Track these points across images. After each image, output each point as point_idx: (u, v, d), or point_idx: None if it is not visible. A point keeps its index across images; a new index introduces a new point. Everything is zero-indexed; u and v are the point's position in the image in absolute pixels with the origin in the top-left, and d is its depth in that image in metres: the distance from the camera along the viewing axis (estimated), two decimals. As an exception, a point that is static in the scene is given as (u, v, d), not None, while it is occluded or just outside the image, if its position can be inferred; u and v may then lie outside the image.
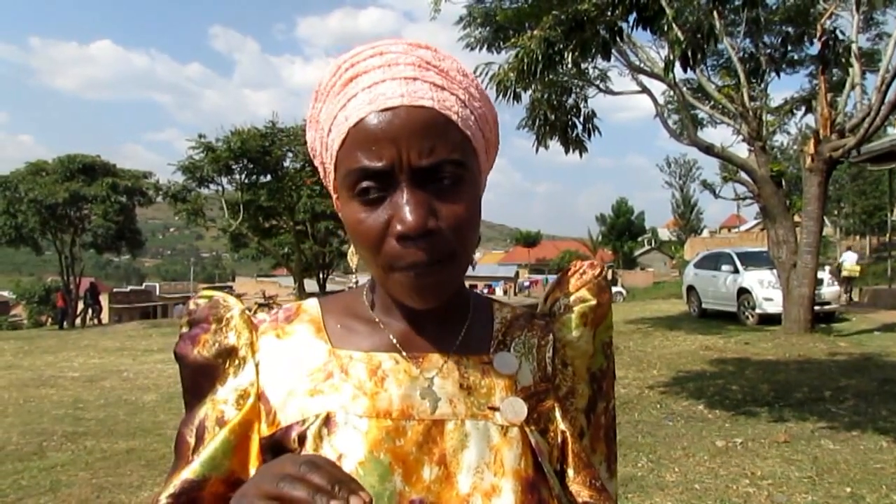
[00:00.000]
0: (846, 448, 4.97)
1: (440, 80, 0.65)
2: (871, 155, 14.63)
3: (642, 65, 12.64)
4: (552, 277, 0.86)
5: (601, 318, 0.78)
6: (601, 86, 12.40)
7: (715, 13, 7.90)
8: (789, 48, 13.80)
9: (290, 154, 22.33)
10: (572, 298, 0.78)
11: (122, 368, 10.63)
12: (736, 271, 14.07)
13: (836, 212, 36.58)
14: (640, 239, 61.31)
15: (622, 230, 57.77)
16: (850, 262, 19.58)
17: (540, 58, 6.52)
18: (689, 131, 12.64)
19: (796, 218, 13.09)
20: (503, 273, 61.04)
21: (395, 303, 0.71)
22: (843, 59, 11.46)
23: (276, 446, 0.67)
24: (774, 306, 12.40)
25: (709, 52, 9.66)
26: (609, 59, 10.16)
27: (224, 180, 22.66)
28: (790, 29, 13.38)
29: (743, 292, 13.64)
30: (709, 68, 14.31)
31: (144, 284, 65.82)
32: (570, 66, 7.80)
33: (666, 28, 6.19)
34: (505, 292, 51.05)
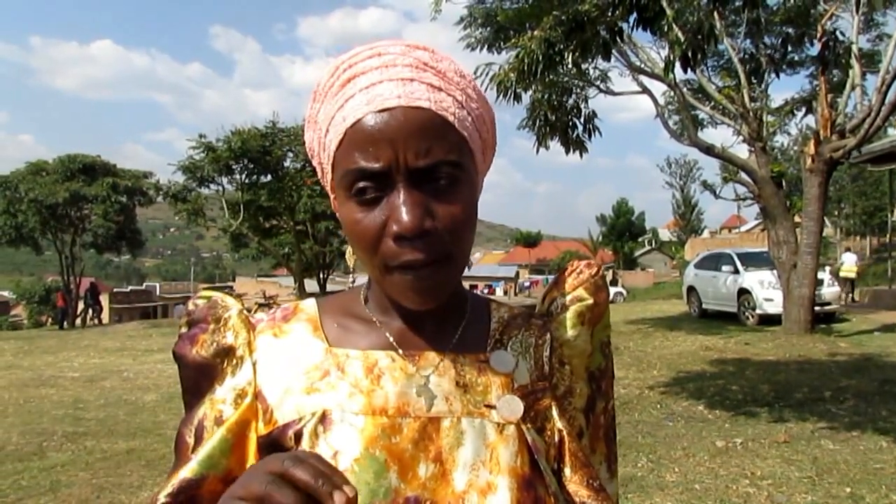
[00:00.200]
0: (846, 448, 4.98)
1: (437, 81, 0.66)
2: (872, 156, 14.63)
3: (643, 65, 12.65)
4: (552, 278, 0.86)
5: (598, 317, 0.78)
6: (602, 86, 12.40)
7: (715, 14, 7.90)
8: (790, 49, 13.81)
9: (291, 154, 22.35)
10: (569, 298, 0.78)
11: (123, 368, 10.64)
12: (736, 272, 14.07)
13: (836, 212, 36.56)
14: (640, 239, 61.31)
15: (622, 230, 57.77)
16: (848, 263, 19.60)
17: (540, 58, 6.52)
18: (690, 132, 12.64)
19: (797, 218, 13.09)
20: (503, 273, 61.07)
21: (392, 302, 0.72)
22: (844, 60, 11.47)
23: (273, 445, 0.67)
24: (775, 307, 12.40)
25: (709, 52, 9.66)
26: (609, 60, 10.18)
27: (224, 180, 22.72)
28: (790, 30, 13.38)
29: (743, 293, 13.65)
30: (709, 69, 14.33)
31: (145, 284, 65.86)
32: (570, 66, 7.81)
33: (666, 29, 6.20)
34: (505, 292, 51.06)
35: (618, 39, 6.45)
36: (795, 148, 24.71)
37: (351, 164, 0.63)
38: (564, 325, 0.77)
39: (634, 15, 5.47)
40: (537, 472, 0.67)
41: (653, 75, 12.37)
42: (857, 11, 11.23)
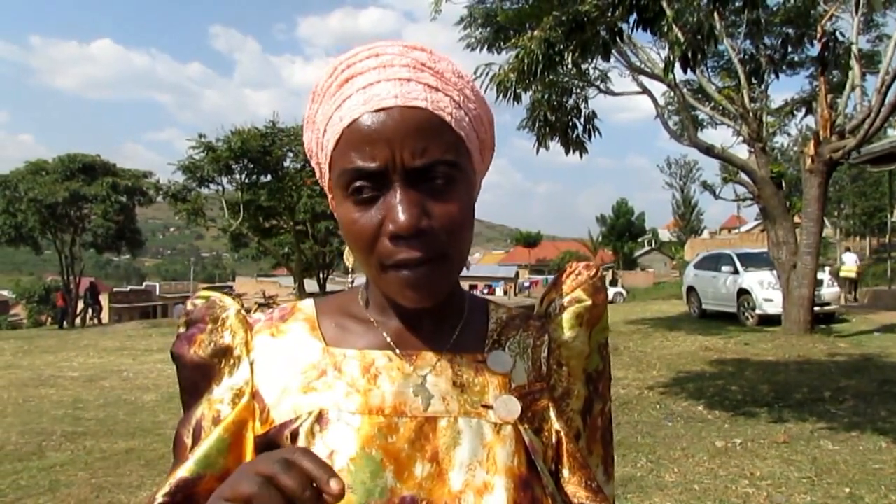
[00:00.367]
0: (845, 448, 4.98)
1: (434, 81, 0.66)
2: (872, 156, 14.63)
3: (643, 66, 12.66)
4: (552, 278, 0.87)
5: (596, 319, 0.78)
6: (601, 87, 12.41)
7: (715, 14, 7.91)
8: (789, 50, 13.82)
9: (291, 154, 22.34)
10: (567, 299, 0.78)
11: (122, 368, 10.63)
12: (736, 272, 14.07)
13: (836, 213, 36.55)
14: (640, 240, 61.33)
15: (622, 231, 57.79)
16: (848, 263, 19.62)
17: (540, 58, 6.52)
18: (690, 132, 12.64)
19: (796, 219, 13.10)
20: (503, 273, 61.05)
21: (390, 302, 0.72)
22: (844, 61, 11.48)
23: (269, 444, 0.67)
24: (774, 307, 12.40)
25: (709, 53, 9.66)
26: (609, 60, 10.19)
27: (224, 180, 22.68)
28: (790, 30, 13.39)
29: (743, 293, 13.65)
30: (709, 69, 14.34)
31: (144, 284, 65.79)
32: (570, 66, 7.82)
33: (666, 29, 6.20)
34: (505, 293, 51.05)
35: (618, 40, 6.46)
36: (795, 148, 24.71)
37: (348, 163, 0.64)
38: (563, 327, 0.77)
39: (634, 15, 5.47)
40: (534, 473, 0.67)
41: (653, 76, 12.38)
42: (857, 12, 11.24)
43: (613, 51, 8.34)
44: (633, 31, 6.02)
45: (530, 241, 66.94)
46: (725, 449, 5.10)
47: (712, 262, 15.36)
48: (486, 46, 11.19)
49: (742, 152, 13.21)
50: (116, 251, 31.10)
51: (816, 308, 11.79)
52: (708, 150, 12.27)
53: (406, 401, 0.68)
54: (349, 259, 0.74)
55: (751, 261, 14.27)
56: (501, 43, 10.66)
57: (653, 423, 6.09)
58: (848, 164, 13.11)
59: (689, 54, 5.79)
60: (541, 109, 10.98)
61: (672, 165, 58.15)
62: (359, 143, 0.63)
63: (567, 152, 11.25)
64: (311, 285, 28.34)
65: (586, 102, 11.64)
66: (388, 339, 0.72)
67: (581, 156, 11.30)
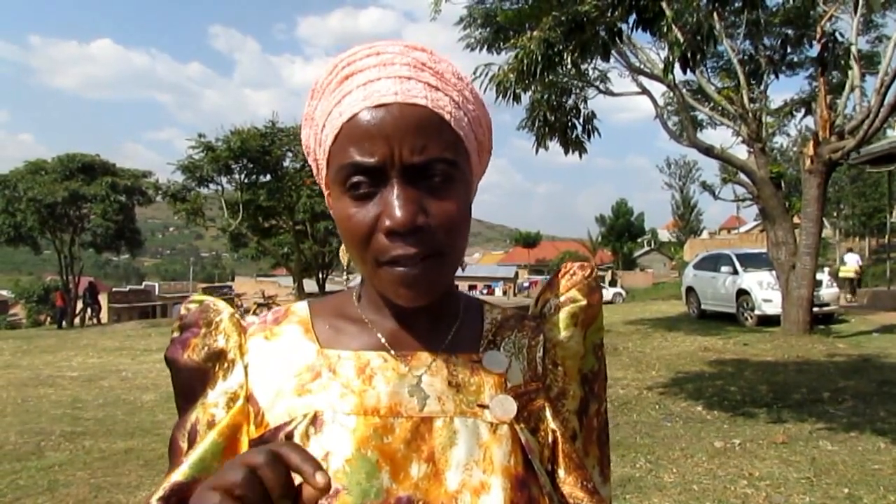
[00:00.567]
0: (844, 449, 4.98)
1: (435, 80, 0.66)
2: (871, 157, 14.66)
3: (642, 66, 12.66)
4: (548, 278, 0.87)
5: (592, 319, 0.78)
6: (601, 87, 12.41)
7: (715, 15, 7.91)
8: (789, 50, 13.82)
9: (290, 154, 22.34)
10: (562, 299, 0.78)
11: (121, 368, 10.63)
12: (735, 272, 14.08)
13: (835, 213, 36.56)
14: (639, 240, 61.40)
15: (622, 231, 57.84)
16: (849, 263, 19.64)
17: (539, 59, 6.52)
18: (689, 133, 12.65)
19: (795, 219, 13.11)
20: (502, 273, 61.09)
21: (385, 302, 0.72)
22: (843, 62, 11.46)
23: None
24: (773, 307, 12.41)
25: (708, 53, 9.66)
26: (609, 61, 10.18)
27: (224, 180, 22.69)
28: (790, 31, 13.39)
29: (742, 293, 13.66)
30: (708, 70, 14.33)
31: (144, 284, 65.72)
32: (569, 67, 7.82)
33: (666, 29, 6.19)
34: (504, 293, 51.05)
35: (617, 40, 6.46)
36: (794, 149, 24.70)
37: (346, 158, 0.63)
38: (557, 327, 0.77)
39: (634, 16, 5.47)
40: (531, 472, 0.67)
41: (652, 76, 12.39)
42: (857, 13, 11.25)
43: (613, 51, 8.33)
44: (632, 31, 6.02)
45: (530, 241, 66.99)
46: (724, 449, 5.10)
47: (711, 263, 15.37)
48: (485, 47, 11.20)
49: (741, 153, 13.23)
50: (115, 251, 31.10)
51: (815, 309, 11.80)
52: (707, 151, 12.28)
53: (401, 401, 0.67)
54: (344, 257, 0.74)
55: (750, 261, 14.27)
56: (501, 43, 10.66)
57: (652, 423, 6.09)
58: (847, 164, 13.10)
59: (689, 55, 5.79)
60: (540, 109, 10.98)
61: (671, 166, 58.20)
62: (358, 139, 0.63)
63: (566, 152, 11.25)
64: (310, 285, 28.36)
65: (585, 103, 11.64)
66: (383, 340, 0.71)
67: (580, 156, 11.30)
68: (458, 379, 0.70)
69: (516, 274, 60.81)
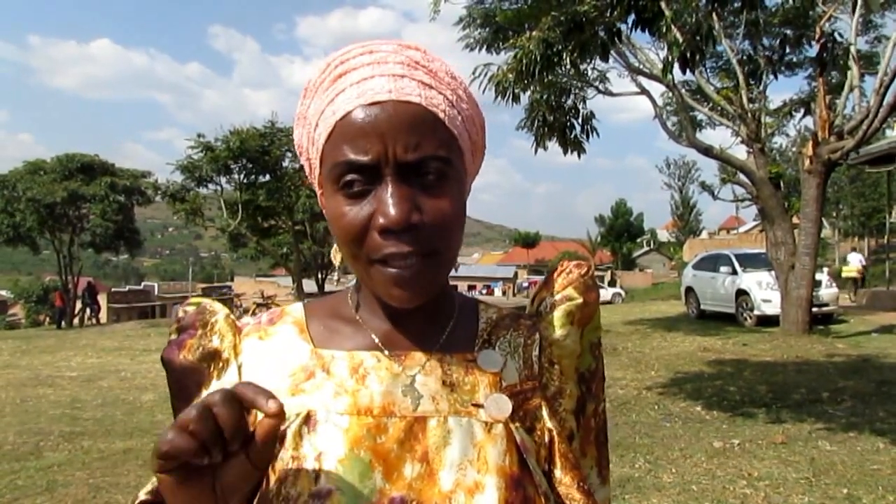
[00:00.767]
0: (843, 449, 4.98)
1: (428, 79, 0.66)
2: (870, 157, 14.66)
3: (641, 66, 12.66)
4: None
5: (588, 318, 0.77)
6: (600, 87, 12.41)
7: (714, 15, 7.92)
8: (788, 50, 13.83)
9: (289, 154, 22.33)
10: (558, 297, 0.77)
11: (120, 368, 10.62)
12: (734, 273, 14.08)
13: (834, 214, 36.58)
14: (639, 240, 61.46)
15: (621, 231, 57.89)
16: (852, 263, 19.69)
17: (538, 59, 6.53)
18: (688, 133, 12.66)
19: (795, 220, 13.11)
20: (502, 274, 61.14)
21: (379, 302, 0.71)
22: (842, 62, 11.48)
23: None
24: (772, 308, 12.41)
25: (707, 53, 9.67)
26: (608, 61, 10.17)
27: (223, 180, 22.69)
28: (789, 31, 13.39)
29: (741, 294, 13.66)
30: (708, 70, 14.35)
31: (143, 284, 65.71)
32: (568, 67, 7.81)
33: (665, 29, 6.19)
34: (504, 293, 51.06)
35: (616, 40, 6.46)
36: (794, 149, 24.71)
37: (339, 156, 0.63)
38: (553, 325, 0.76)
39: (633, 16, 5.47)
40: (526, 472, 0.66)
41: (651, 76, 12.39)
42: (855, 13, 11.25)
43: (612, 51, 8.32)
44: (631, 31, 6.02)
45: (529, 241, 67.05)
46: (723, 449, 5.10)
47: (711, 263, 15.37)
48: (484, 47, 11.20)
49: (740, 153, 13.24)
50: (115, 251, 31.09)
51: (815, 309, 11.81)
52: (706, 151, 12.29)
53: (395, 401, 0.67)
54: (336, 257, 0.74)
55: (749, 261, 14.28)
56: (500, 43, 10.67)
57: (651, 423, 6.09)
58: (846, 164, 13.11)
59: (688, 55, 5.79)
60: (539, 110, 10.98)
61: (671, 166, 58.24)
62: (351, 136, 0.62)
63: (565, 153, 11.24)
64: (309, 285, 28.35)
65: (584, 103, 11.64)
66: (377, 340, 0.71)
67: (579, 156, 11.29)
68: (452, 378, 0.70)
69: (515, 274, 60.84)
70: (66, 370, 10.52)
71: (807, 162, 10.95)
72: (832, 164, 11.07)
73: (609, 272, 46.27)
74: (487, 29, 11.14)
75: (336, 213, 0.65)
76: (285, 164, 22.69)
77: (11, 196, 25.69)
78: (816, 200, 10.99)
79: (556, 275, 0.79)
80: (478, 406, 0.68)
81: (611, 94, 12.78)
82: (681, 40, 5.99)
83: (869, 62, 13.37)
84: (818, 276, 12.21)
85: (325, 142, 0.65)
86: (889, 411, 6.07)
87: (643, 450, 5.12)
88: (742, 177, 12.71)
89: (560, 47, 6.53)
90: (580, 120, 11.24)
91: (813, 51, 12.44)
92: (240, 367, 0.72)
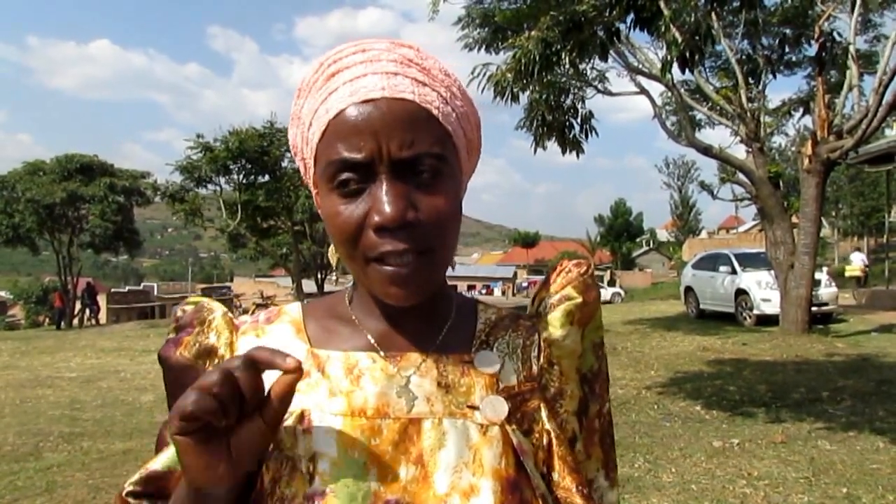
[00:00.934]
0: (843, 449, 4.98)
1: (422, 76, 0.66)
2: (869, 156, 14.66)
3: (640, 66, 12.66)
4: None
5: (588, 317, 0.76)
6: (599, 87, 12.41)
7: (713, 14, 7.92)
8: (787, 50, 13.85)
9: (289, 154, 22.27)
10: (557, 297, 0.76)
11: (120, 369, 10.62)
12: (734, 272, 14.08)
13: (833, 213, 36.61)
14: (638, 240, 61.43)
15: (620, 231, 57.86)
16: (854, 262, 19.77)
17: (537, 58, 6.53)
18: (688, 132, 12.66)
19: (794, 219, 13.11)
20: (501, 274, 61.14)
21: (376, 302, 0.71)
22: (841, 61, 11.50)
23: None
24: (772, 307, 12.41)
25: (707, 53, 9.67)
26: (607, 60, 10.19)
27: (222, 180, 22.69)
28: (788, 30, 13.41)
29: (741, 293, 13.66)
30: (707, 70, 14.35)
31: (142, 284, 65.66)
32: (567, 66, 7.82)
33: (664, 29, 6.19)
34: (503, 293, 51.07)
35: (615, 40, 6.46)
36: (793, 148, 24.76)
37: (333, 155, 0.63)
38: (552, 325, 0.75)
39: (632, 15, 5.47)
40: (523, 475, 0.66)
41: (650, 76, 12.39)
42: (854, 12, 11.25)
43: (611, 51, 8.33)
44: (630, 31, 6.03)
45: (528, 241, 67.07)
46: (723, 449, 5.10)
47: (710, 263, 15.37)
48: (483, 47, 11.20)
49: (740, 152, 13.23)
50: (114, 251, 31.11)
51: (814, 308, 11.81)
52: (706, 151, 12.29)
53: (389, 402, 0.66)
54: (333, 257, 0.73)
55: (748, 261, 14.28)
56: (499, 43, 10.67)
57: (650, 423, 6.09)
58: (845, 164, 13.11)
59: (687, 54, 5.79)
60: (538, 109, 10.98)
61: (670, 165, 58.29)
62: (345, 135, 0.62)
63: (564, 152, 11.25)
64: (309, 286, 28.35)
65: (583, 102, 11.65)
66: (372, 341, 0.71)
67: (578, 156, 11.30)
68: (447, 379, 0.69)
69: (515, 274, 60.86)
70: (65, 371, 10.52)
71: (806, 161, 10.95)
72: (831, 164, 11.07)
73: (608, 272, 46.26)
74: (486, 29, 11.14)
75: (331, 212, 0.64)
76: (284, 164, 22.68)
77: (11, 197, 25.70)
78: (816, 200, 10.99)
79: (555, 274, 0.78)
80: (473, 408, 0.68)
81: (610, 93, 12.78)
82: (680, 40, 5.98)
83: (868, 61, 13.36)
84: (817, 276, 12.21)
85: (319, 141, 0.65)
86: (889, 410, 6.07)
87: (643, 449, 5.12)
88: (741, 176, 12.71)
89: (559, 47, 6.53)
90: (579, 120, 11.25)
91: (812, 50, 12.44)
92: None
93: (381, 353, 0.70)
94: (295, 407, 0.66)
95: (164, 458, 0.68)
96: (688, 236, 55.26)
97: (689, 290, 16.01)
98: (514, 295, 49.99)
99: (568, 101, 11.38)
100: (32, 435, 6.24)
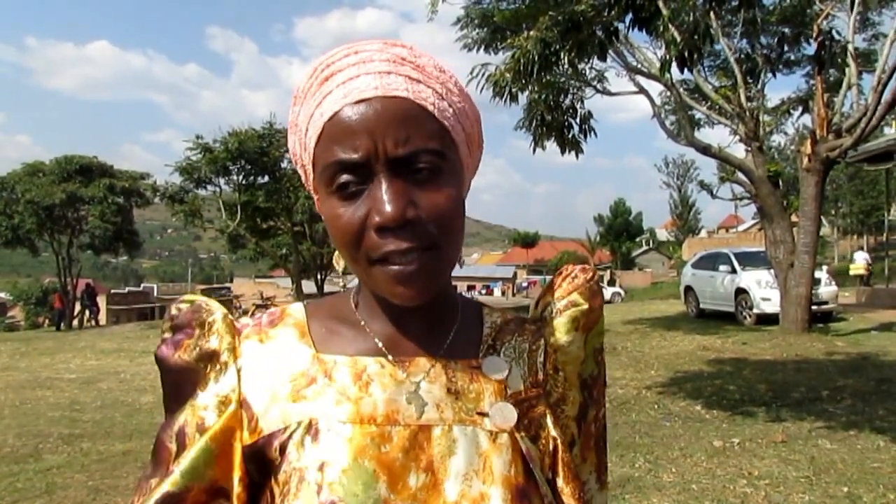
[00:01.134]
0: (843, 448, 4.98)
1: (416, 74, 0.65)
2: (868, 155, 14.68)
3: (639, 65, 12.67)
4: (548, 279, 0.85)
5: (593, 323, 0.76)
6: (598, 86, 12.42)
7: (711, 14, 7.92)
8: (786, 49, 13.85)
9: (288, 155, 22.26)
10: (564, 303, 0.76)
11: (119, 370, 10.62)
12: (733, 271, 14.09)
13: (833, 212, 36.65)
14: (638, 239, 61.50)
15: (620, 231, 57.90)
16: (858, 261, 19.83)
17: (536, 58, 6.53)
18: (687, 132, 12.67)
19: (793, 218, 13.13)
20: (501, 274, 61.15)
21: (381, 305, 0.70)
22: (840, 60, 11.50)
23: (258, 454, 0.66)
24: (772, 306, 12.41)
25: (705, 52, 9.68)
26: (605, 60, 10.18)
27: (221, 181, 22.65)
28: (786, 29, 13.42)
29: (740, 292, 13.66)
30: (706, 69, 14.35)
31: (142, 285, 65.74)
32: (566, 66, 7.82)
33: (662, 29, 6.20)
34: (503, 293, 51.08)
35: (614, 39, 6.46)
36: (792, 147, 24.80)
37: (330, 157, 0.62)
38: (559, 331, 0.75)
39: (630, 15, 5.47)
40: (532, 482, 0.66)
41: (649, 75, 12.40)
42: (853, 11, 11.26)
43: (610, 50, 8.33)
44: (629, 30, 6.03)
45: (528, 241, 67.12)
46: (723, 449, 5.09)
47: (710, 262, 15.38)
48: (482, 47, 11.21)
49: (739, 151, 13.24)
50: (114, 253, 31.04)
51: (814, 307, 11.81)
52: (705, 150, 12.29)
53: (399, 409, 0.66)
54: (339, 262, 0.73)
55: (748, 260, 14.28)
56: (498, 43, 10.68)
57: (651, 423, 6.09)
58: (845, 162, 13.14)
59: (686, 54, 5.79)
60: (537, 109, 10.98)
61: (669, 165, 58.43)
62: (340, 136, 0.62)
63: (563, 152, 11.25)
64: (308, 286, 28.34)
65: (582, 102, 11.65)
66: (380, 345, 0.70)
67: (577, 156, 11.30)
68: (457, 386, 0.68)
69: (515, 274, 60.87)
70: (65, 372, 10.52)
71: (805, 160, 10.96)
72: (830, 162, 11.08)
73: (608, 272, 46.29)
74: (485, 29, 11.16)
75: (332, 215, 0.64)
76: (284, 165, 22.65)
77: (10, 198, 25.66)
78: (815, 198, 11.00)
79: (560, 279, 0.78)
80: (483, 415, 0.67)
81: (609, 93, 12.78)
82: (678, 39, 5.99)
83: (867, 60, 13.37)
84: (817, 274, 12.21)
85: (316, 145, 0.64)
86: (889, 409, 6.07)
87: (643, 449, 5.11)
88: (741, 175, 12.71)
89: (558, 47, 6.53)
90: (578, 119, 11.25)
91: (811, 49, 12.44)
92: (239, 371, 0.69)
93: (390, 358, 0.69)
94: (302, 415, 0.65)
95: (178, 476, 0.65)
96: (687, 236, 55.33)
97: (688, 289, 16.01)
98: (513, 295, 49.99)
99: (567, 101, 11.38)
100: (32, 436, 6.24)
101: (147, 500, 0.65)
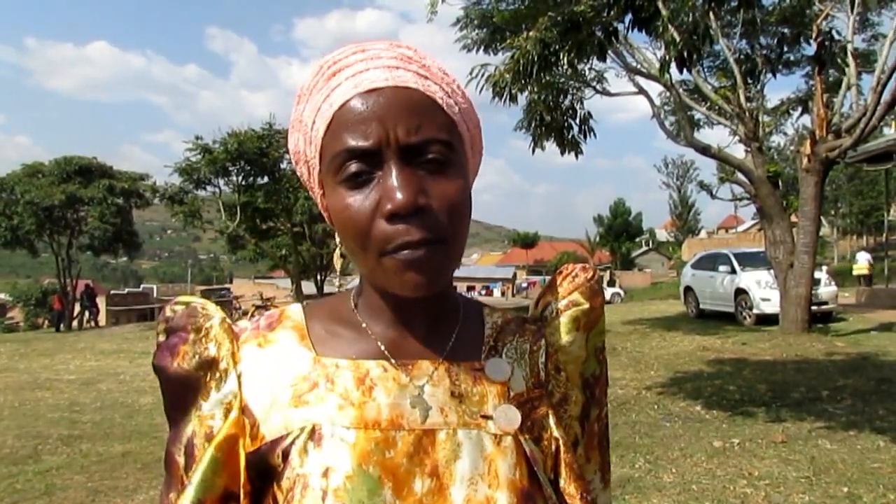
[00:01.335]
0: (843, 448, 4.98)
1: (423, 72, 0.66)
2: (868, 155, 14.68)
3: (639, 66, 12.67)
4: (548, 279, 0.85)
5: (594, 323, 0.76)
6: (598, 87, 12.42)
7: (711, 14, 7.91)
8: (785, 49, 13.86)
9: (288, 156, 22.24)
10: (564, 302, 0.76)
11: (119, 371, 10.62)
12: (733, 272, 14.09)
13: (832, 212, 36.66)
14: (637, 240, 61.51)
15: (620, 231, 57.91)
16: (860, 261, 19.88)
17: (536, 59, 6.53)
18: (686, 132, 12.67)
19: (793, 218, 13.13)
20: (501, 274, 61.12)
21: (383, 305, 0.70)
22: (839, 60, 11.50)
23: (261, 461, 0.65)
24: (772, 306, 12.41)
25: (705, 53, 9.68)
26: (605, 61, 10.18)
27: (221, 182, 22.64)
28: (786, 30, 13.42)
29: (740, 293, 13.66)
30: (705, 69, 14.35)
31: (142, 286, 65.73)
32: (565, 67, 7.81)
33: (662, 29, 6.19)
34: (503, 293, 51.07)
35: (613, 40, 6.46)
36: (792, 148, 24.81)
37: (340, 146, 0.62)
38: (560, 331, 0.74)
39: (630, 15, 5.48)
40: (536, 485, 0.65)
41: (649, 76, 12.40)
42: (853, 11, 11.26)
43: (609, 51, 8.33)
44: (628, 31, 6.02)
45: (528, 241, 67.14)
46: (723, 449, 5.09)
47: (710, 262, 15.38)
48: (482, 47, 11.22)
49: (738, 152, 13.24)
50: (113, 253, 31.00)
51: (814, 307, 11.81)
52: (704, 150, 12.30)
53: (403, 413, 0.65)
54: (338, 262, 0.72)
55: (748, 260, 14.28)
56: (497, 44, 10.69)
57: (651, 423, 6.09)
58: (844, 163, 13.14)
59: (685, 54, 5.79)
60: (537, 110, 10.99)
61: (669, 165, 58.47)
62: (351, 124, 0.62)
63: (562, 153, 11.25)
64: (308, 287, 28.34)
65: (582, 103, 11.65)
66: (382, 348, 0.69)
67: (577, 156, 11.31)
68: (460, 389, 0.68)
69: (514, 275, 60.84)
70: (64, 373, 10.51)
71: (805, 160, 10.96)
72: (830, 163, 11.08)
73: (608, 272, 46.29)
74: (485, 30, 11.16)
75: (339, 206, 0.63)
76: (283, 165, 22.65)
77: (9, 199, 25.62)
78: (815, 199, 11.00)
79: (561, 278, 0.78)
80: (487, 418, 0.67)
81: (608, 93, 12.79)
82: (678, 40, 5.98)
83: (866, 60, 13.38)
84: (817, 275, 12.22)
85: (324, 135, 0.64)
86: (889, 409, 6.07)
87: (643, 450, 5.11)
88: (740, 176, 12.72)
89: (557, 47, 6.53)
90: (577, 120, 11.25)
91: (810, 49, 12.44)
92: (239, 377, 0.69)
93: (392, 361, 0.68)
94: (304, 421, 0.65)
95: (192, 491, 0.64)
96: (687, 236, 55.37)
97: (688, 289, 16.01)
98: (513, 296, 49.97)
99: (566, 102, 11.38)
100: (31, 437, 6.23)
101: None
